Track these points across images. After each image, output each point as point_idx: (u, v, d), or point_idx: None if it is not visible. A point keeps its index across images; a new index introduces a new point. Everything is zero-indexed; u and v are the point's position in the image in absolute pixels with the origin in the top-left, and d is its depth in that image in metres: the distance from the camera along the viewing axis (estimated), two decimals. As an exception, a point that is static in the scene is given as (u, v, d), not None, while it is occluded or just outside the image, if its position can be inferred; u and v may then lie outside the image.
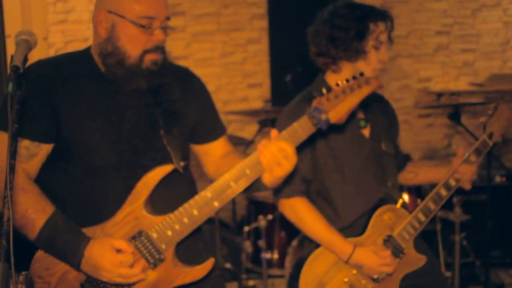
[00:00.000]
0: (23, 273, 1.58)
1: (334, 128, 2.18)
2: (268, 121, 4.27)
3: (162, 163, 2.04)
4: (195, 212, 1.98)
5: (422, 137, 5.73)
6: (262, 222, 4.01)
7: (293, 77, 4.78)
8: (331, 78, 2.61)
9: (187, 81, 2.25)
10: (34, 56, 5.31)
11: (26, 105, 1.93)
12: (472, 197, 4.20)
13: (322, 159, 2.56)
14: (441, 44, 5.70)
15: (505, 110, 2.74)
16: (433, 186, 2.69)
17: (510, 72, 5.75)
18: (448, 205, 3.98)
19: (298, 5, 5.31)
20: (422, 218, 2.60)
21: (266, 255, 4.05)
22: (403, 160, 2.83)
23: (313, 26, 2.64)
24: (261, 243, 4.00)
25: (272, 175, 1.96)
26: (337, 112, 1.99)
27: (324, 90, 2.00)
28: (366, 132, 2.65)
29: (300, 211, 2.52)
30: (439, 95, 5.45)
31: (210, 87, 5.27)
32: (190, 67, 5.46)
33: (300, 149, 2.49)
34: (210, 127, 2.30)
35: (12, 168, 1.51)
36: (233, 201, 4.56)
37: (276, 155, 1.92)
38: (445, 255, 4.41)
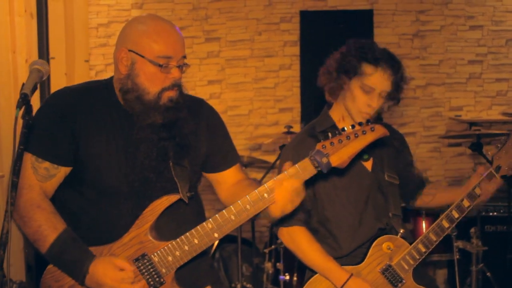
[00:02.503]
0: (17, 281, 1.75)
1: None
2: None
3: (169, 193, 2.18)
4: (196, 241, 2.12)
5: (452, 165, 5.73)
6: (281, 244, 4.10)
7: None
8: (334, 111, 2.73)
9: (201, 112, 2.39)
10: (77, 77, 5.55)
11: (48, 129, 2.13)
12: (492, 228, 4.20)
13: (323, 190, 2.66)
14: (474, 73, 5.71)
15: None
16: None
17: (544, 102, 5.71)
18: (466, 236, 4.01)
19: (329, 32, 5.44)
20: (423, 249, 2.66)
21: (285, 277, 4.14)
22: (421, 183, 2.89)
23: (323, 67, 2.76)
24: (279, 265, 4.09)
25: (283, 211, 2.10)
26: (339, 157, 2.10)
27: (329, 134, 2.10)
28: (368, 165, 2.74)
29: (298, 240, 2.62)
30: (471, 124, 5.46)
31: (243, 111, 5.58)
32: (223, 91, 5.70)
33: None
34: (221, 157, 2.43)
35: (14, 186, 1.69)
36: (252, 222, 4.68)
37: (291, 193, 2.06)
38: (467, 285, 4.41)
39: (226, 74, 5.57)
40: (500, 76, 5.73)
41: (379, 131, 2.12)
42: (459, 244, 3.96)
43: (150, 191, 2.18)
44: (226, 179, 2.44)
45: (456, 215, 2.70)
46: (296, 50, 5.57)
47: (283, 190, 2.07)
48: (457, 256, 4.05)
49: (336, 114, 2.69)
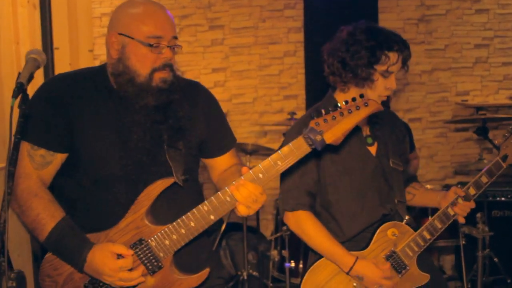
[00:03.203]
0: (15, 270, 1.75)
1: (341, 144, 2.24)
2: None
3: (164, 176, 2.17)
4: (192, 224, 2.11)
5: (459, 151, 5.69)
6: (286, 231, 4.09)
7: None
8: (340, 96, 2.68)
9: (196, 96, 2.37)
10: (81, 67, 5.55)
11: (42, 116, 2.13)
12: (500, 213, 4.17)
13: (327, 173, 2.64)
14: (480, 57, 5.65)
15: None
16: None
17: (552, 86, 5.65)
18: (472, 221, 3.98)
19: (333, 18, 5.38)
20: (427, 236, 2.65)
21: (291, 264, 4.13)
22: (407, 179, 2.88)
23: (330, 44, 2.69)
24: (285, 252, 4.08)
25: (241, 213, 2.09)
26: (333, 134, 2.06)
27: (323, 111, 2.07)
28: (373, 149, 2.71)
29: (304, 224, 2.60)
30: (478, 109, 5.41)
31: (247, 98, 5.56)
32: (228, 79, 5.68)
33: (306, 162, 2.60)
34: (216, 143, 2.42)
35: (11, 175, 1.68)
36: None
37: (246, 199, 2.04)
38: (474, 271, 4.38)
39: (230, 62, 5.55)
40: (507, 60, 5.67)
41: (373, 106, 2.08)
42: (465, 229, 3.94)
43: (145, 175, 2.17)
44: (218, 165, 2.44)
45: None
46: (300, 36, 5.53)
47: (239, 196, 2.05)
48: (463, 242, 4.04)
49: (342, 97, 2.65)
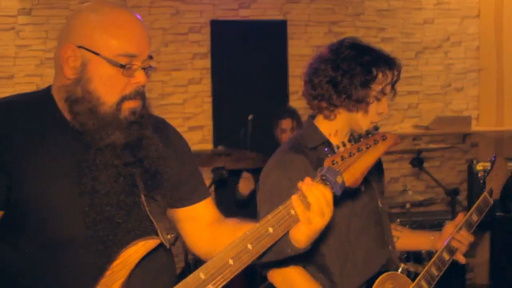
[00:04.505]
0: None
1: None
2: (223, 169, 3.89)
3: (142, 236, 1.65)
4: (187, 299, 1.59)
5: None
6: None
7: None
8: (323, 124, 2.29)
9: (167, 136, 1.88)
10: None
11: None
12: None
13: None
14: (386, 86, 5.60)
15: (503, 164, 2.59)
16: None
17: (453, 114, 5.73)
18: (418, 257, 3.78)
19: (241, 44, 5.08)
20: (425, 286, 2.33)
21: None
22: None
23: (310, 65, 2.29)
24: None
25: (310, 228, 1.63)
26: (352, 174, 1.71)
27: (337, 148, 1.72)
28: (360, 186, 2.35)
29: (295, 283, 2.15)
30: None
31: (150, 130, 4.98)
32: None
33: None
34: (193, 186, 1.92)
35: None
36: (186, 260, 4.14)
37: (320, 202, 1.62)
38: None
39: (130, 90, 4.98)
40: (411, 89, 5.67)
41: (391, 139, 1.78)
42: (409, 266, 3.71)
43: (119, 236, 1.64)
44: (201, 215, 1.93)
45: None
46: (206, 62, 5.14)
47: (312, 197, 1.62)
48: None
49: (327, 127, 2.25)
